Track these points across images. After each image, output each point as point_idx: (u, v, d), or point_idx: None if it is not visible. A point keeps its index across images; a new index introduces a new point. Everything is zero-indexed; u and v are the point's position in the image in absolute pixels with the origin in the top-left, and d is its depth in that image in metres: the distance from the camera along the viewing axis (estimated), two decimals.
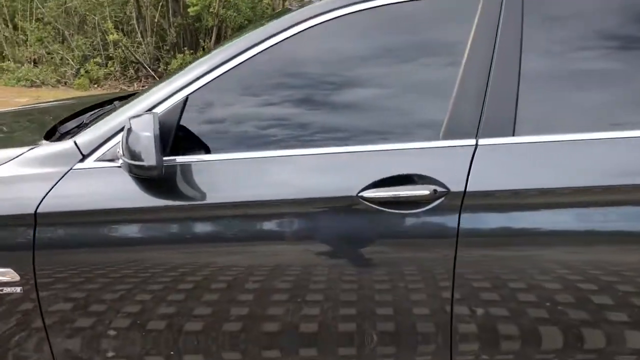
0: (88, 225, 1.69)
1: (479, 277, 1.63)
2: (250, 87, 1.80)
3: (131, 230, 1.70)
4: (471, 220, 1.61)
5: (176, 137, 1.72)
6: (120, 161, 1.62)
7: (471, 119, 1.66)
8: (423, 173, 1.62)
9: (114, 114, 1.79)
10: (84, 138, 1.74)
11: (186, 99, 1.72)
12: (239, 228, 1.68)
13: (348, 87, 1.77)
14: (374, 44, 1.79)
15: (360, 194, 1.61)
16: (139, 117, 1.58)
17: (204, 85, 1.73)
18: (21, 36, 10.81)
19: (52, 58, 10.50)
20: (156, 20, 10.30)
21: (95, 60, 10.23)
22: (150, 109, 1.70)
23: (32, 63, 10.65)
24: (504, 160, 1.64)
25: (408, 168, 1.64)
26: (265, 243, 1.68)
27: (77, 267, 1.69)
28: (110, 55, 10.34)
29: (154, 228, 1.69)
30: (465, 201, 1.61)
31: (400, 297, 1.65)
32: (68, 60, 10.34)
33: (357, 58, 1.79)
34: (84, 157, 1.71)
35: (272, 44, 1.75)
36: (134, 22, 10.31)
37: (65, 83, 10.21)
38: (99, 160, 1.70)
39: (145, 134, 1.53)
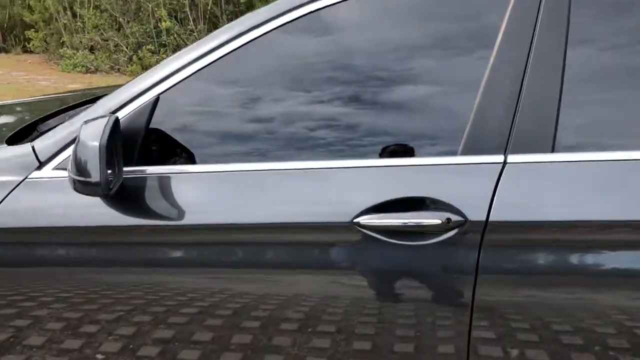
0: (40, 246, 1.46)
1: (501, 326, 1.30)
2: (233, 86, 1.51)
3: (90, 253, 1.45)
4: (493, 258, 1.28)
5: (147, 144, 1.46)
6: (67, 174, 1.38)
7: (499, 130, 1.32)
8: (434, 196, 1.30)
9: (80, 114, 1.54)
10: (43, 142, 1.51)
11: (157, 99, 1.46)
12: (213, 253, 1.41)
13: (347, 88, 1.44)
14: (375, 35, 1.47)
15: (356, 220, 1.31)
16: (92, 121, 1.33)
17: (179, 82, 1.46)
18: (79, 23, 10.93)
19: (107, 45, 10.57)
20: (209, 7, 10.18)
21: (148, 47, 10.22)
22: (115, 111, 1.45)
23: (88, 49, 10.76)
24: (540, 183, 1.29)
25: (416, 189, 1.32)
26: (246, 272, 1.40)
27: (28, 291, 1.46)
28: (163, 42, 10.31)
29: (118, 250, 1.44)
30: (486, 234, 1.28)
31: (403, 344, 1.34)
32: (122, 47, 10.38)
33: (355, 52, 1.47)
34: (41, 165, 1.47)
35: (261, 33, 1.46)
36: (187, 9, 10.21)
37: (119, 69, 10.27)
38: (57, 168, 1.47)
39: (92, 143, 1.27)
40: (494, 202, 1.28)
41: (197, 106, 1.50)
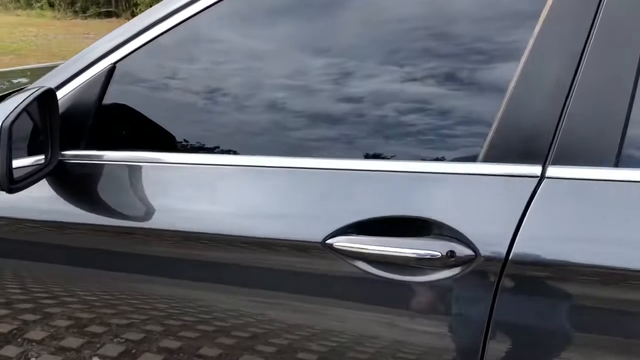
0: None
1: None
2: (213, 52, 1.22)
3: (24, 251, 1.24)
4: (513, 312, 0.91)
5: (100, 124, 1.20)
6: None
7: (538, 132, 0.93)
8: (437, 218, 0.94)
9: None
10: None
11: (112, 68, 1.19)
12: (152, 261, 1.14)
13: (346, 72, 1.09)
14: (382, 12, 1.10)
15: (329, 242, 0.98)
16: (16, 95, 1.09)
17: (140, 47, 1.18)
18: None
19: None
20: None
21: None
22: (61, 85, 1.20)
23: None
24: (594, 209, 0.90)
25: (412, 205, 0.96)
26: (199, 287, 1.12)
27: None
28: None
29: (54, 250, 1.21)
30: (505, 278, 0.90)
31: None
32: None
33: (354, 33, 1.10)
34: None
35: None
36: None
37: None
38: None
39: None
40: (520, 231, 0.90)
41: (152, 80, 1.22)
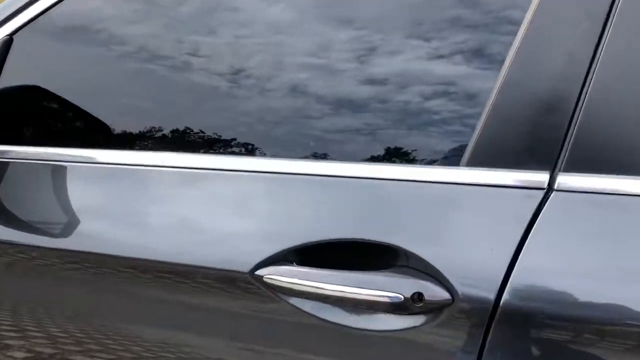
0: None
1: None
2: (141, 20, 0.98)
3: None
4: None
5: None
6: None
7: (544, 129, 0.67)
8: (402, 245, 0.68)
9: None
10: None
11: (9, 41, 0.95)
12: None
13: (300, 55, 0.85)
14: None
15: (257, 273, 0.73)
16: None
17: (45, 11, 0.94)
18: None
19: None
20: None
21: None
22: None
23: None
24: (623, 232, 0.63)
25: (369, 227, 0.71)
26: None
27: None
28: None
29: None
30: (495, 332, 0.64)
31: None
32: None
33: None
34: None
35: None
36: None
37: None
38: None
39: None
40: (518, 263, 0.64)
41: (67, 54, 0.99)
